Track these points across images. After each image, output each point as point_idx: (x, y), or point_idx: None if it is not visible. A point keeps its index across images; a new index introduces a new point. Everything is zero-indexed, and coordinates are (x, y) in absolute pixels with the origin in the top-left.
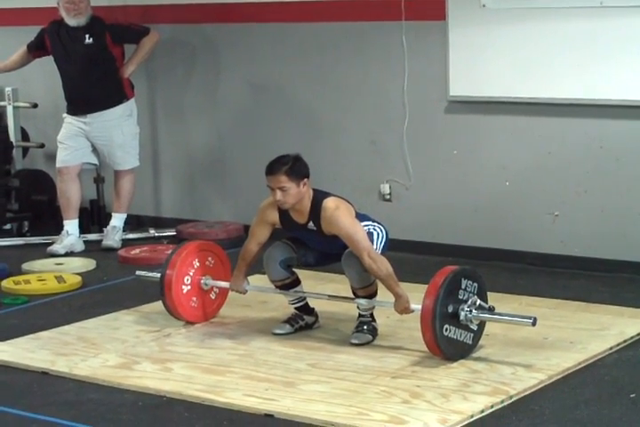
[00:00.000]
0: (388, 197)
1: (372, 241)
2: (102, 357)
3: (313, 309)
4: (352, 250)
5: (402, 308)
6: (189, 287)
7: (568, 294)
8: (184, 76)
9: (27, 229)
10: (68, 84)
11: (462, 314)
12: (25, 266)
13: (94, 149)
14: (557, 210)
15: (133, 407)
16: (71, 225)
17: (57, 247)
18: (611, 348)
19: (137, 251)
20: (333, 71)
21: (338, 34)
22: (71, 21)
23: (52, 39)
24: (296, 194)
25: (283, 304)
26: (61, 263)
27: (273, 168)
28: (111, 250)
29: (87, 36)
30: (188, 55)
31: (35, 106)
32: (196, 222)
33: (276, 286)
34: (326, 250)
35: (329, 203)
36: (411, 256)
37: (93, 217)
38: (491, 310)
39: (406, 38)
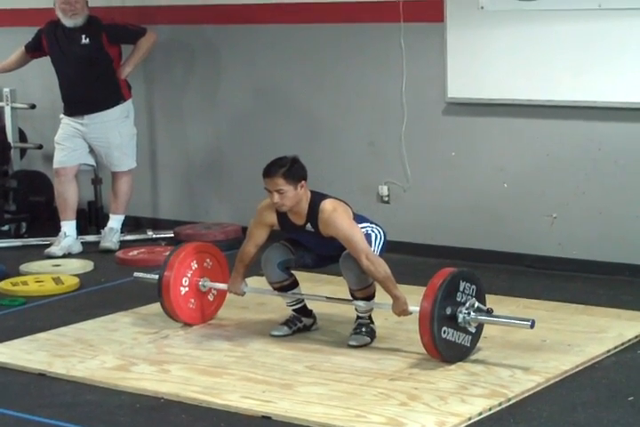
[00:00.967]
0: (386, 198)
1: (369, 243)
2: (100, 358)
3: (311, 311)
4: (350, 252)
5: (400, 310)
6: (187, 289)
7: (566, 297)
8: (182, 77)
9: (24, 230)
10: (65, 84)
11: (460, 316)
12: (22, 267)
13: (91, 150)
14: (555, 212)
15: (131, 409)
16: (69, 226)
17: (54, 249)
18: (609, 350)
19: (135, 252)
20: (332, 73)
21: (336, 36)
22: (68, 22)
23: (49, 40)
24: (294, 196)
25: (281, 306)
26: (59, 265)
27: (270, 171)
28: (109, 251)
29: (84, 36)
30: (187, 56)
31: (32, 107)
32: (193, 224)
33: (274, 288)
34: (324, 252)
35: (326, 205)
36: (409, 258)
37: (91, 218)
38: (489, 312)
39: (404, 40)
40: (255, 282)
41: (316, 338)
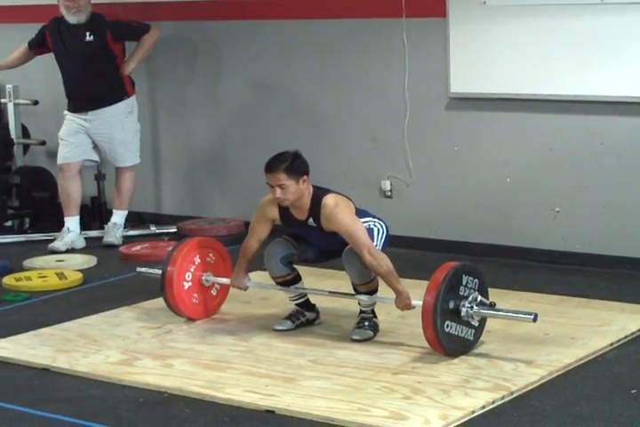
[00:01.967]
0: (388, 193)
1: (372, 237)
2: (103, 353)
3: (314, 305)
4: (352, 247)
5: (403, 304)
6: (190, 284)
7: (569, 290)
8: (185, 73)
9: (28, 225)
10: (69, 81)
11: (463, 310)
12: (26, 263)
13: (95, 146)
14: (558, 206)
15: (134, 404)
16: (72, 222)
17: (58, 244)
18: (611, 344)
19: (138, 247)
20: (334, 68)
21: (339, 31)
22: (71, 19)
23: (52, 36)
24: (295, 191)
25: (284, 301)
26: (62, 260)
27: (272, 166)
28: (112, 247)
29: (88, 33)
30: (190, 52)
31: (35, 103)
32: (196, 219)
33: (277, 283)
34: (326, 246)
35: (328, 200)
36: (411, 252)
37: (94, 214)
38: (492, 306)
39: (407, 35)
40: (258, 277)
41: (319, 332)
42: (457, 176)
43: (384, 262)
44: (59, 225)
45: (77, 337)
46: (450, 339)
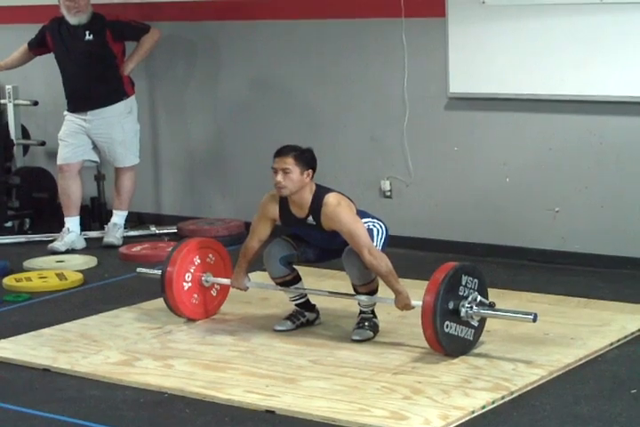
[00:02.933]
0: (388, 193)
1: (372, 238)
2: (104, 354)
3: (314, 305)
4: (352, 247)
5: (402, 304)
6: (190, 284)
7: (568, 290)
8: (184, 73)
9: (28, 226)
10: (69, 81)
11: (463, 310)
12: (26, 263)
13: (95, 147)
14: (558, 206)
15: (135, 404)
16: (72, 222)
17: (58, 245)
18: (611, 344)
19: (138, 248)
20: (334, 68)
21: (338, 31)
22: (72, 19)
23: (52, 37)
24: (297, 180)
25: (284, 301)
26: (62, 261)
27: (283, 150)
28: (112, 247)
29: (87, 33)
30: (189, 52)
31: (35, 104)
32: (196, 219)
33: (277, 283)
34: (326, 246)
35: (330, 198)
36: (411, 253)
37: (94, 214)
38: (491, 306)
39: (406, 35)
40: (258, 277)
41: (319, 333)
42: (456, 176)
43: (384, 262)
44: (59, 226)
45: (78, 338)
46: (449, 339)
